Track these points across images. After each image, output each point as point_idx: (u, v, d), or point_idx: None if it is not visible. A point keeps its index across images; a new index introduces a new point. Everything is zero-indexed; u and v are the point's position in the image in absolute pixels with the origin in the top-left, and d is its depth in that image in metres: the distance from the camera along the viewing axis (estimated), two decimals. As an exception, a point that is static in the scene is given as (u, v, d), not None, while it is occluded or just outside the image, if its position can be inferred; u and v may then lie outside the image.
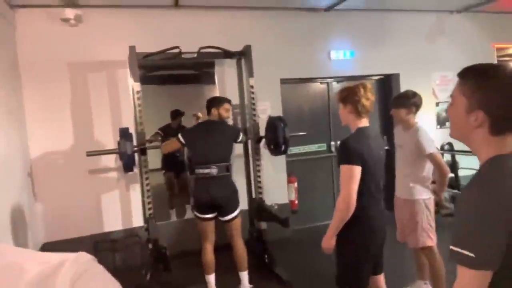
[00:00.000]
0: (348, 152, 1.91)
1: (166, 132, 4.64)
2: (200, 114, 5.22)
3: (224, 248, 3.21)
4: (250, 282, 3.16)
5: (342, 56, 4.64)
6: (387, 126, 5.10)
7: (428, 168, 2.66)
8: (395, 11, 4.84)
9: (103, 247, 3.86)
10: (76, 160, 3.72)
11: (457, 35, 5.20)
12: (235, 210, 3.04)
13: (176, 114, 4.93)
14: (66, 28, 3.67)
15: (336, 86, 4.99)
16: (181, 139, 3.08)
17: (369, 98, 2.01)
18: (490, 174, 1.00)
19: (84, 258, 0.55)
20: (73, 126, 3.78)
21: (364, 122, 2.04)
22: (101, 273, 0.57)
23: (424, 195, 2.69)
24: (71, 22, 3.62)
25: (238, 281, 3.14)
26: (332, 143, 4.95)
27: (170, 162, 4.84)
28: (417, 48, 5.01)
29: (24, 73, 3.61)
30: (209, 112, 3.13)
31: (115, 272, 3.08)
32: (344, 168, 1.89)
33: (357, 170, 1.87)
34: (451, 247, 0.96)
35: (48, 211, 3.72)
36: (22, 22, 3.58)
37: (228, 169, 3.04)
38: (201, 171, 2.96)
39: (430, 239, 2.67)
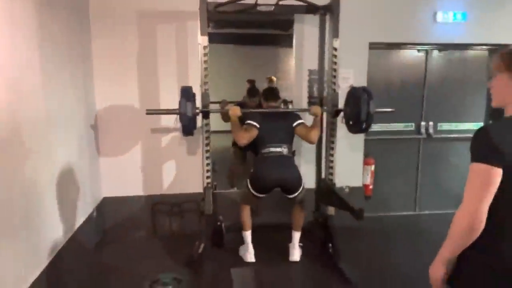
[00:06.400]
0: (486, 146, 1.23)
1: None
2: (274, 78, 4.84)
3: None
4: (308, 273, 2.89)
5: (452, 19, 3.78)
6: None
7: None
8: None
9: (160, 209, 3.74)
10: (139, 117, 3.55)
11: None
12: (300, 188, 3.05)
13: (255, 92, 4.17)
14: (137, -27, 3.41)
15: (437, 55, 4.15)
16: (255, 124, 3.02)
17: None
18: None
19: None
20: (138, 81, 3.59)
21: None
22: None
23: None
24: (143, -34, 3.33)
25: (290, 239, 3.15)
26: (423, 123, 4.20)
27: None
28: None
29: (94, 21, 3.44)
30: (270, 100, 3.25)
31: (171, 237, 2.72)
32: (475, 167, 1.24)
33: (496, 173, 1.21)
34: None
35: (110, 166, 3.65)
36: (94, -35, 3.38)
37: (294, 152, 3.12)
38: (272, 149, 2.99)
39: None
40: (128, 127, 3.64)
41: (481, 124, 4.16)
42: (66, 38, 2.83)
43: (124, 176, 3.69)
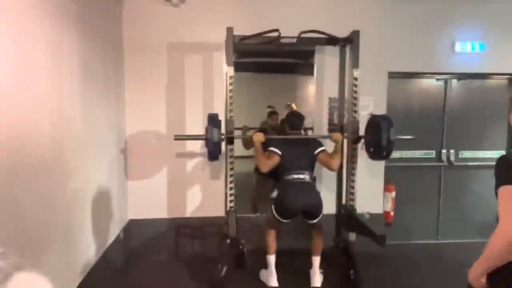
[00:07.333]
0: (509, 170, 1.34)
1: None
2: (294, 106, 4.96)
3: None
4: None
5: (470, 49, 3.87)
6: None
7: None
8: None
9: (183, 232, 3.84)
10: (166, 142, 3.72)
11: None
12: (320, 214, 3.09)
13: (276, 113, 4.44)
14: (169, 8, 3.65)
15: (456, 84, 4.22)
16: (278, 151, 3.11)
17: None
18: None
19: None
20: (166, 108, 3.78)
21: None
22: None
23: None
24: (174, 2, 3.58)
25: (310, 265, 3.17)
26: (444, 150, 4.23)
27: None
28: None
29: (127, 52, 3.68)
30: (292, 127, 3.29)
31: (193, 260, 2.88)
32: (503, 190, 1.31)
33: None
34: None
35: (137, 189, 3.79)
36: (129, 1, 3.64)
37: (314, 179, 3.17)
38: (295, 176, 3.07)
39: None
40: (155, 152, 3.81)
41: (503, 152, 4.16)
42: (102, 69, 3.05)
43: (149, 199, 3.82)
